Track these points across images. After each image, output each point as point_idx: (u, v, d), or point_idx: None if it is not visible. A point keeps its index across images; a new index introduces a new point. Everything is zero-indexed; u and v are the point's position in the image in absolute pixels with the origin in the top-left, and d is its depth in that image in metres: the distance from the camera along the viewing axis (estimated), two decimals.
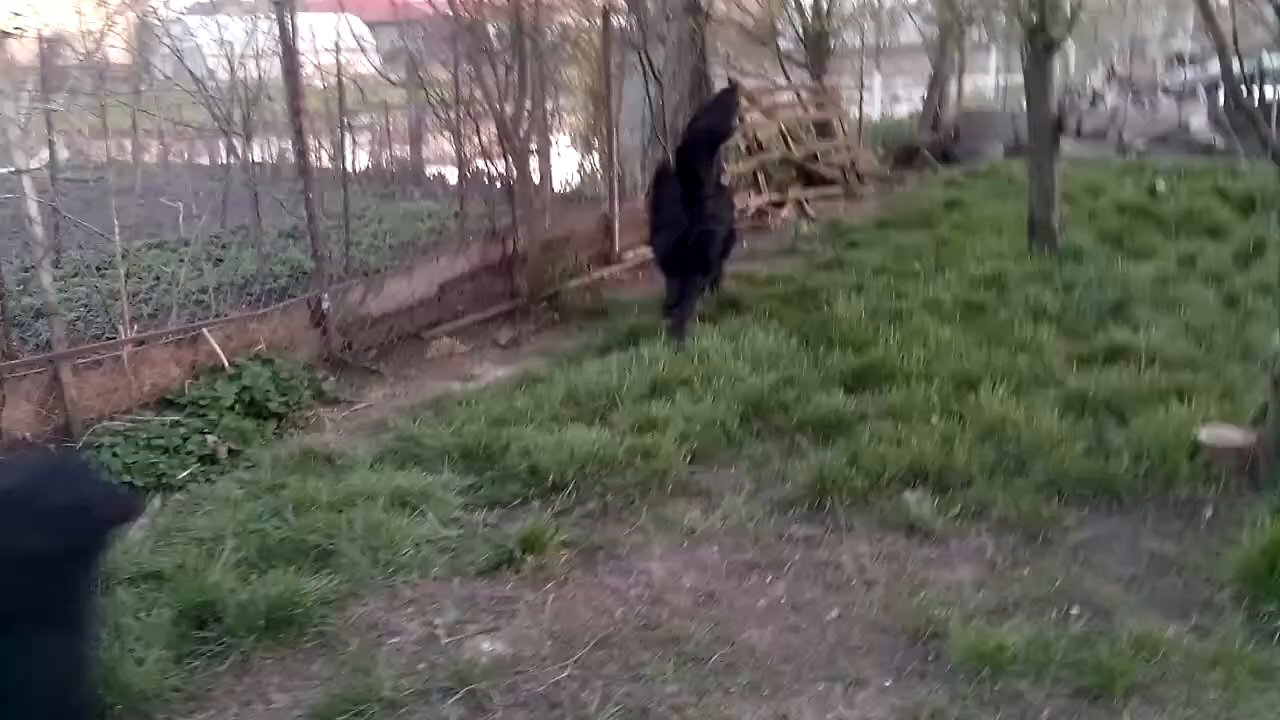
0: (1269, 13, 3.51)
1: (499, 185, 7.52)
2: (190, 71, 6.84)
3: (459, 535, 3.87)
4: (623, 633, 3.30)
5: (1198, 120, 13.12)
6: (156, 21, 7.80)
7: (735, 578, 3.63)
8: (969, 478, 4.13)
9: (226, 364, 5.20)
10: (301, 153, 6.02)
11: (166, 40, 7.26)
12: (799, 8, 12.54)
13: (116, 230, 5.21)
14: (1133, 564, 3.58)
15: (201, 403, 4.94)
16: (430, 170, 11.41)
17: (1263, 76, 10.97)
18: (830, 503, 4.05)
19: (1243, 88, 3.72)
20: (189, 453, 4.64)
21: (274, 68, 6.48)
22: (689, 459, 4.45)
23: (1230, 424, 4.26)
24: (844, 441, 4.49)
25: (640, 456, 4.34)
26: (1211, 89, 12.72)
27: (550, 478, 4.19)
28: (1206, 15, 3.59)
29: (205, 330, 5.27)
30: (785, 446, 4.60)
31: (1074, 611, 3.29)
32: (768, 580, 3.61)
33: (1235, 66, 3.65)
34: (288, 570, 3.49)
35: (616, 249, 8.64)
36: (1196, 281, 6.67)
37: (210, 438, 4.73)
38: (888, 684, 3.02)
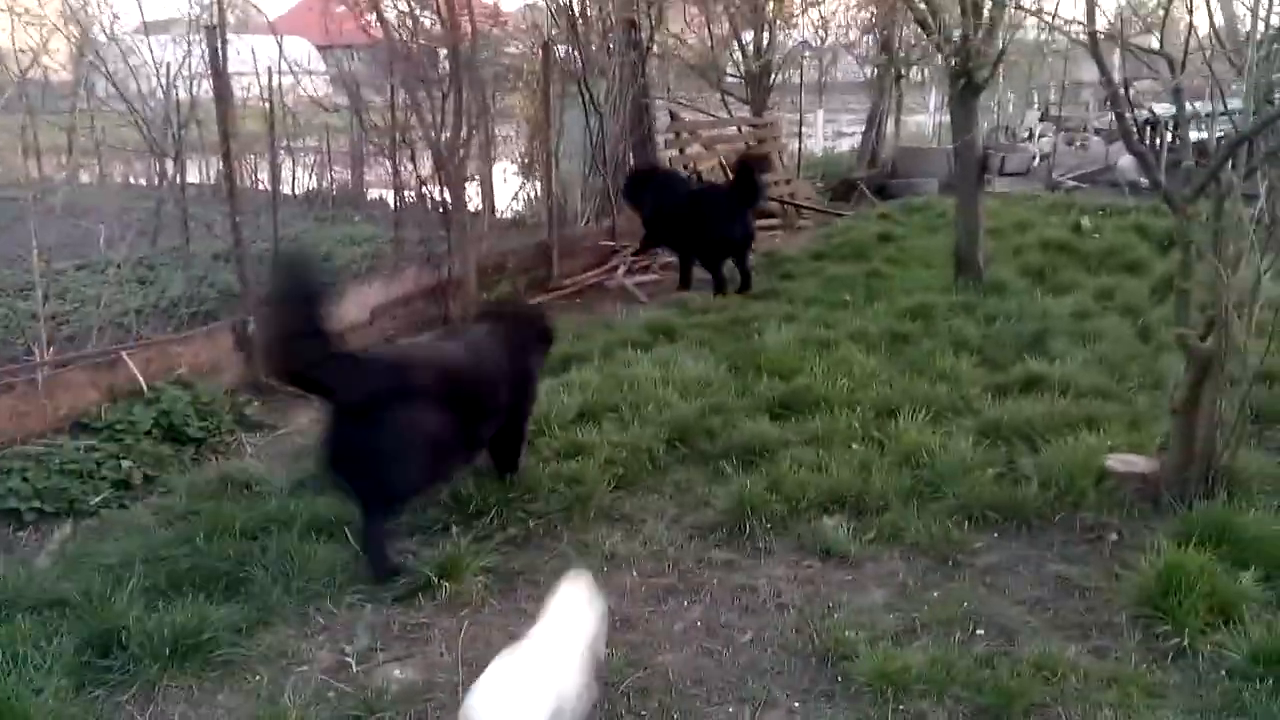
0: (1162, 66, 3.70)
1: (436, 211, 7.53)
2: (120, 92, 6.75)
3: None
4: None
5: (1125, 160, 13.59)
6: (101, 40, 7.69)
7: (653, 602, 3.65)
8: (885, 503, 4.21)
9: (146, 388, 5.12)
10: (229, 176, 5.98)
11: (99, 62, 7.16)
12: (740, 44, 12.80)
13: (35, 250, 5.11)
14: (1038, 587, 3.67)
15: (118, 427, 4.85)
16: (372, 194, 11.38)
17: (1155, 124, 11.45)
18: (750, 528, 4.09)
19: (1139, 132, 3.89)
20: (103, 478, 4.54)
21: (208, 90, 6.44)
22: (614, 485, 4.47)
23: (1137, 452, 4.40)
24: (767, 467, 4.54)
25: (565, 483, 4.36)
26: (1142, 130, 13.23)
27: (473, 504, 4.19)
28: (1100, 66, 3.76)
29: (125, 354, 5.18)
30: (709, 472, 4.65)
31: (979, 633, 3.37)
32: (685, 604, 3.64)
33: (1129, 113, 3.82)
34: (197, 598, 3.44)
35: (555, 275, 8.69)
36: (1113, 315, 6.89)
37: (125, 463, 4.64)
38: (796, 705, 3.06)
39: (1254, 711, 2.89)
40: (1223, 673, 3.07)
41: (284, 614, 3.49)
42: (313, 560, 3.72)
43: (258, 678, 3.19)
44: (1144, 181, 12.70)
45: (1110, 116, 16.73)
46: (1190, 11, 3.89)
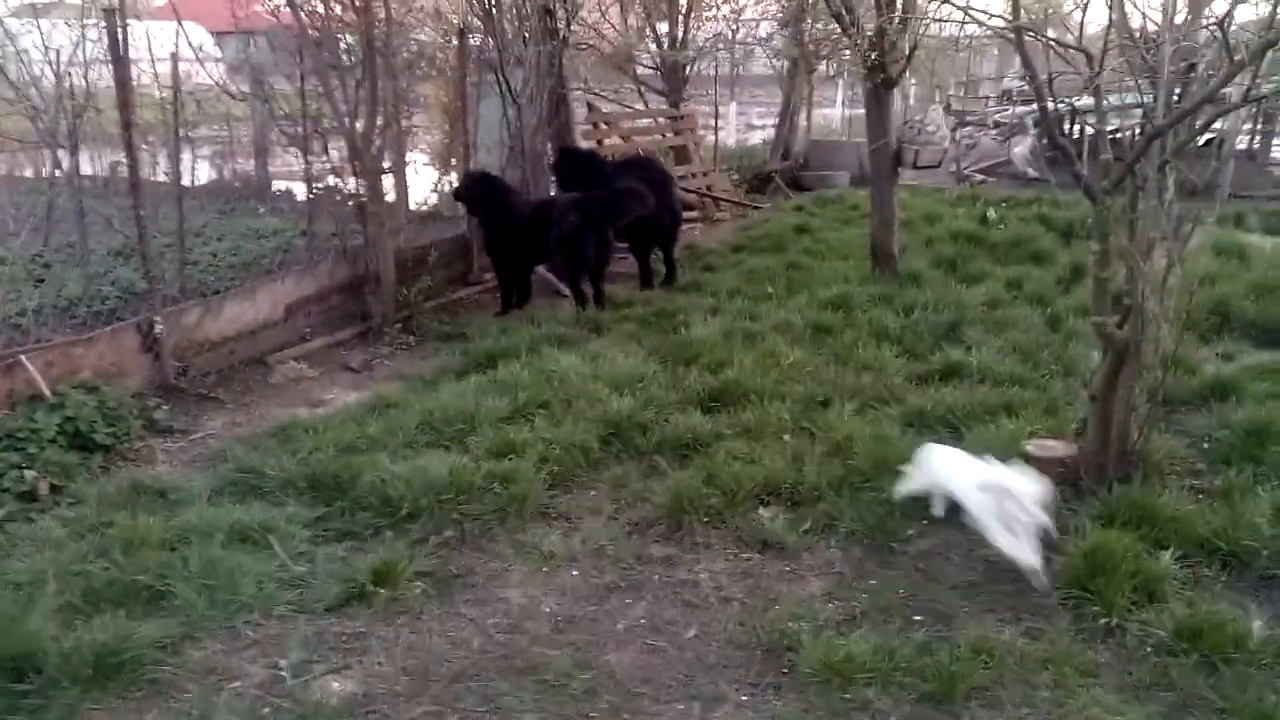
0: (1080, 60, 3.81)
1: (350, 203, 7.31)
2: (7, 78, 6.33)
3: (305, 570, 3.71)
4: (480, 664, 3.24)
5: (1017, 151, 14.08)
6: None
7: (595, 601, 3.62)
8: (819, 493, 4.27)
9: (47, 393, 4.82)
10: (132, 167, 5.69)
11: None
12: (655, 36, 12.78)
13: None
14: (970, 571, 3.77)
15: (19, 436, 4.55)
16: (277, 186, 10.99)
17: (1074, 116, 11.88)
18: (688, 522, 4.10)
19: (1058, 126, 4.00)
20: (5, 490, 4.26)
21: (104, 77, 6.10)
22: (549, 483, 4.42)
23: (1055, 437, 4.56)
24: (701, 461, 4.56)
25: (499, 482, 4.29)
26: (1038, 124, 13.68)
27: (405, 507, 4.08)
28: (1024, 60, 3.86)
29: (23, 357, 4.87)
30: (644, 468, 4.64)
31: (917, 619, 3.44)
32: (627, 602, 3.62)
33: (1050, 107, 3.93)
34: (116, 614, 3.28)
35: (475, 269, 8.54)
36: (1023, 304, 7.12)
37: (29, 473, 4.36)
38: (744, 699, 3.08)
39: (1181, 685, 3.03)
40: (1149, 649, 3.21)
41: (211, 628, 3.35)
42: (238, 571, 3.57)
43: (187, 696, 3.05)
44: (1032, 172, 13.23)
45: (1010, 110, 17.37)
46: (1084, 8, 4.01)
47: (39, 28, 6.51)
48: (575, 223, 7.20)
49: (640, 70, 13.15)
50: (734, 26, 14.15)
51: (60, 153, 6.17)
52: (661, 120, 12.29)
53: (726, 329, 6.47)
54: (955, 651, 3.18)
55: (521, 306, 7.69)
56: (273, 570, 3.64)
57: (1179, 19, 3.94)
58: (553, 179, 9.02)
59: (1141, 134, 3.77)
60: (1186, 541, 3.71)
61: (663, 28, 12.74)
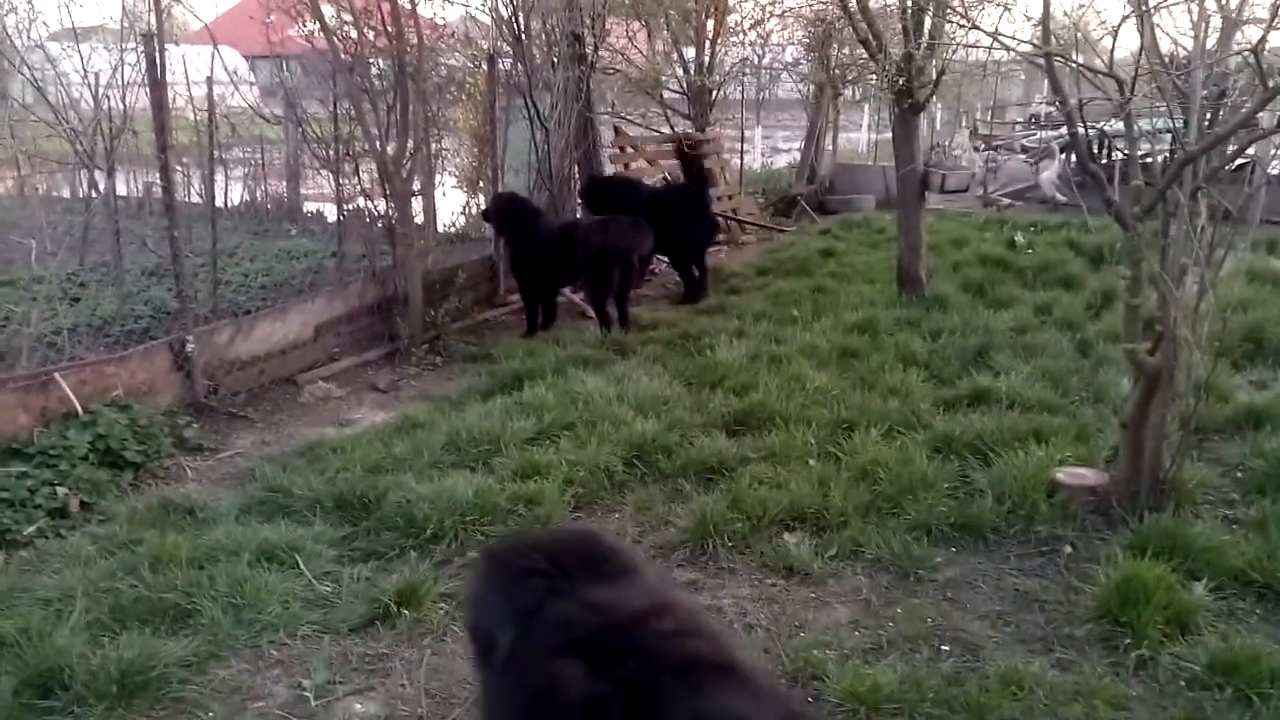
0: (1110, 86, 3.79)
1: (379, 225, 7.39)
2: (48, 100, 6.48)
3: (330, 590, 3.72)
4: None
5: (1044, 177, 14.01)
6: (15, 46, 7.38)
7: None
8: (845, 519, 4.22)
9: (80, 410, 4.89)
10: (167, 189, 5.78)
11: (24, 70, 6.86)
12: (682, 61, 12.85)
13: None
14: (998, 601, 3.72)
15: (52, 452, 4.61)
16: (308, 207, 11.13)
17: (1105, 141, 11.81)
18: (713, 546, 4.07)
19: (1088, 151, 3.98)
20: (37, 506, 4.31)
21: (141, 100, 6.22)
22: (573, 505, 4.42)
23: (1085, 464, 4.50)
24: (725, 485, 4.54)
25: (523, 504, 4.29)
26: (1065, 149, 13.63)
27: (429, 528, 4.09)
28: (1054, 85, 3.84)
29: (58, 375, 4.95)
30: (668, 491, 4.62)
31: (945, 649, 3.39)
32: None
33: (1081, 132, 3.91)
34: (143, 632, 3.30)
35: (501, 291, 8.59)
36: (1052, 329, 7.05)
37: (61, 490, 4.42)
38: None
39: None
40: (1183, 683, 3.13)
41: (236, 647, 3.36)
42: (264, 590, 3.58)
43: (210, 715, 3.06)
44: (1060, 197, 13.14)
45: (1037, 135, 17.29)
46: (1115, 34, 3.99)
47: (79, 52, 6.66)
48: (600, 245, 7.24)
49: (667, 94, 13.22)
50: (760, 51, 14.21)
51: (97, 174, 6.29)
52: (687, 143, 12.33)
53: (752, 352, 6.45)
54: (984, 682, 3.13)
55: (547, 328, 7.71)
56: (298, 589, 3.66)
57: (1210, 44, 3.91)
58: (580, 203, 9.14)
59: (1173, 159, 3.73)
60: (1220, 572, 3.64)
61: (689, 53, 12.81)
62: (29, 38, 7.18)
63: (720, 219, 11.16)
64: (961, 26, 5.62)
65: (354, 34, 7.06)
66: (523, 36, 9.08)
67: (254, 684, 3.21)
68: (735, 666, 1.71)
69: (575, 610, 1.70)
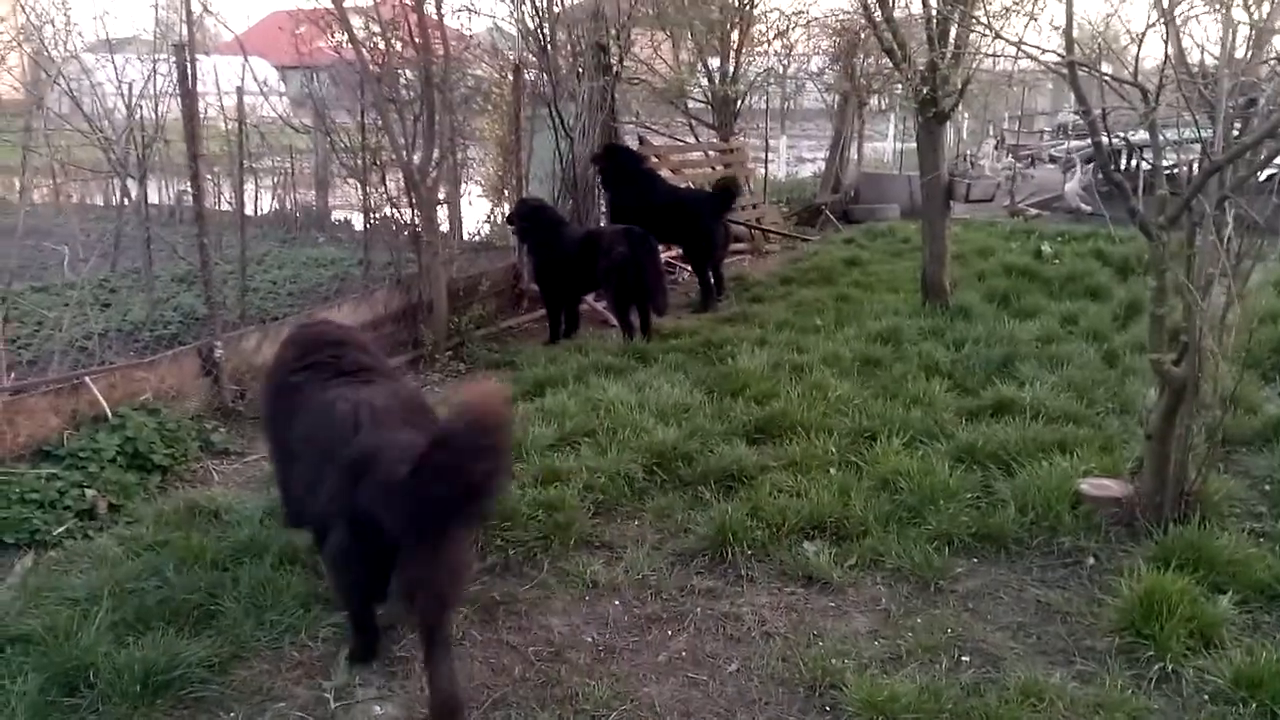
0: (1135, 96, 3.77)
1: (405, 233, 7.46)
2: (82, 110, 6.62)
3: None
4: (520, 692, 3.24)
5: (1070, 187, 13.90)
6: (57, 57, 7.54)
7: (636, 632, 3.60)
8: (865, 528, 4.21)
9: (109, 414, 4.98)
10: (198, 197, 5.87)
11: (60, 81, 7.02)
12: (706, 71, 12.90)
13: None
14: (1020, 612, 3.69)
15: (81, 455, 4.70)
16: (336, 216, 11.27)
17: (1130, 151, 11.70)
18: (732, 554, 4.07)
19: (1112, 161, 3.95)
20: (66, 507, 4.39)
21: (173, 109, 6.34)
22: (593, 512, 4.43)
23: (1110, 475, 4.45)
24: (746, 493, 4.53)
25: (543, 509, 4.31)
26: (1089, 159, 13.53)
27: None
28: (1078, 95, 3.83)
29: (88, 378, 5.03)
30: (688, 498, 4.62)
31: (964, 660, 3.37)
32: (669, 634, 3.60)
33: (1105, 141, 3.89)
34: (167, 632, 3.34)
35: (525, 299, 8.64)
36: (1078, 340, 6.99)
37: (89, 492, 4.50)
38: None
39: None
40: (1206, 698, 3.10)
41: (258, 648, 3.40)
42: (286, 592, 3.63)
43: (232, 716, 3.10)
44: (1085, 208, 13.03)
45: (1065, 145, 17.16)
46: (1139, 42, 3.95)
47: (113, 62, 6.79)
48: (623, 253, 7.26)
49: (691, 104, 13.26)
50: (785, 61, 14.23)
51: (129, 182, 6.42)
52: (712, 153, 12.37)
53: (774, 360, 6.45)
54: (1003, 694, 3.10)
55: (570, 336, 7.75)
56: (320, 592, 3.69)
57: (1239, 54, 3.88)
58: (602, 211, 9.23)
59: (1199, 169, 3.70)
60: (1246, 586, 3.59)
61: (714, 62, 12.85)
62: (65, 48, 7.33)
63: (743, 226, 11.24)
64: (986, 36, 5.59)
65: (382, 45, 7.15)
66: (548, 47, 9.17)
67: (275, 686, 3.24)
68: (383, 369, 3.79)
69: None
